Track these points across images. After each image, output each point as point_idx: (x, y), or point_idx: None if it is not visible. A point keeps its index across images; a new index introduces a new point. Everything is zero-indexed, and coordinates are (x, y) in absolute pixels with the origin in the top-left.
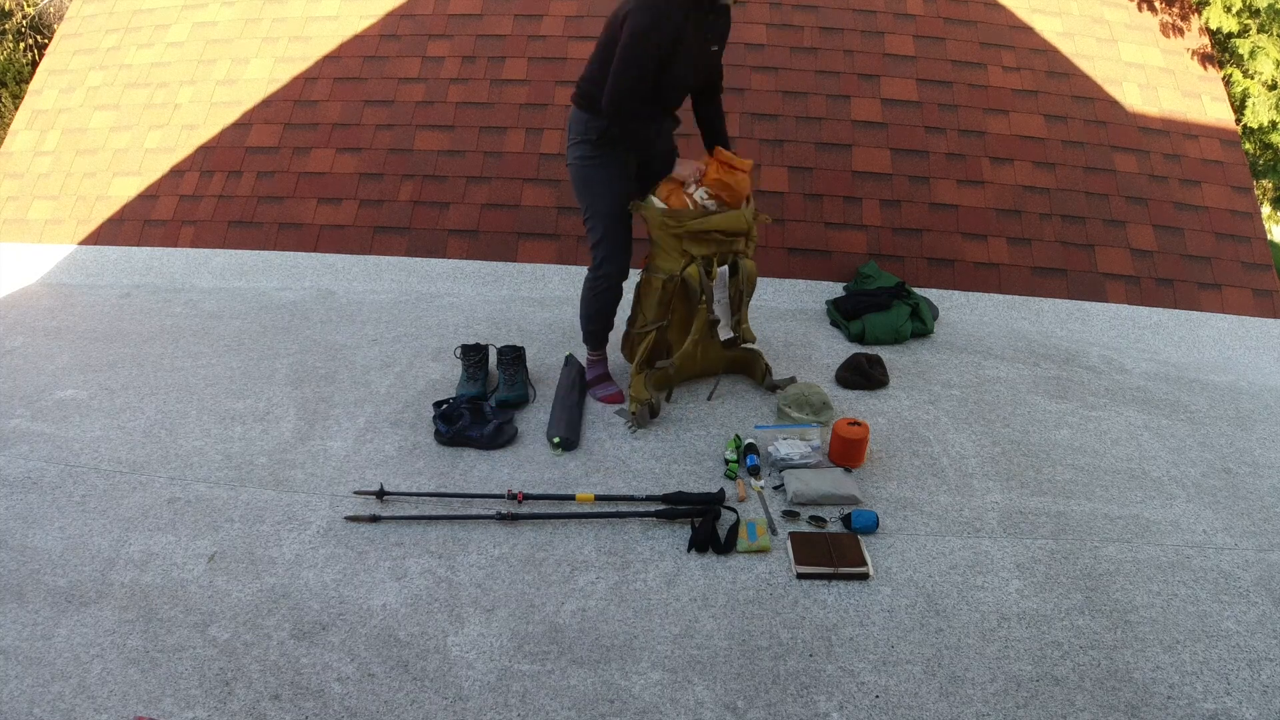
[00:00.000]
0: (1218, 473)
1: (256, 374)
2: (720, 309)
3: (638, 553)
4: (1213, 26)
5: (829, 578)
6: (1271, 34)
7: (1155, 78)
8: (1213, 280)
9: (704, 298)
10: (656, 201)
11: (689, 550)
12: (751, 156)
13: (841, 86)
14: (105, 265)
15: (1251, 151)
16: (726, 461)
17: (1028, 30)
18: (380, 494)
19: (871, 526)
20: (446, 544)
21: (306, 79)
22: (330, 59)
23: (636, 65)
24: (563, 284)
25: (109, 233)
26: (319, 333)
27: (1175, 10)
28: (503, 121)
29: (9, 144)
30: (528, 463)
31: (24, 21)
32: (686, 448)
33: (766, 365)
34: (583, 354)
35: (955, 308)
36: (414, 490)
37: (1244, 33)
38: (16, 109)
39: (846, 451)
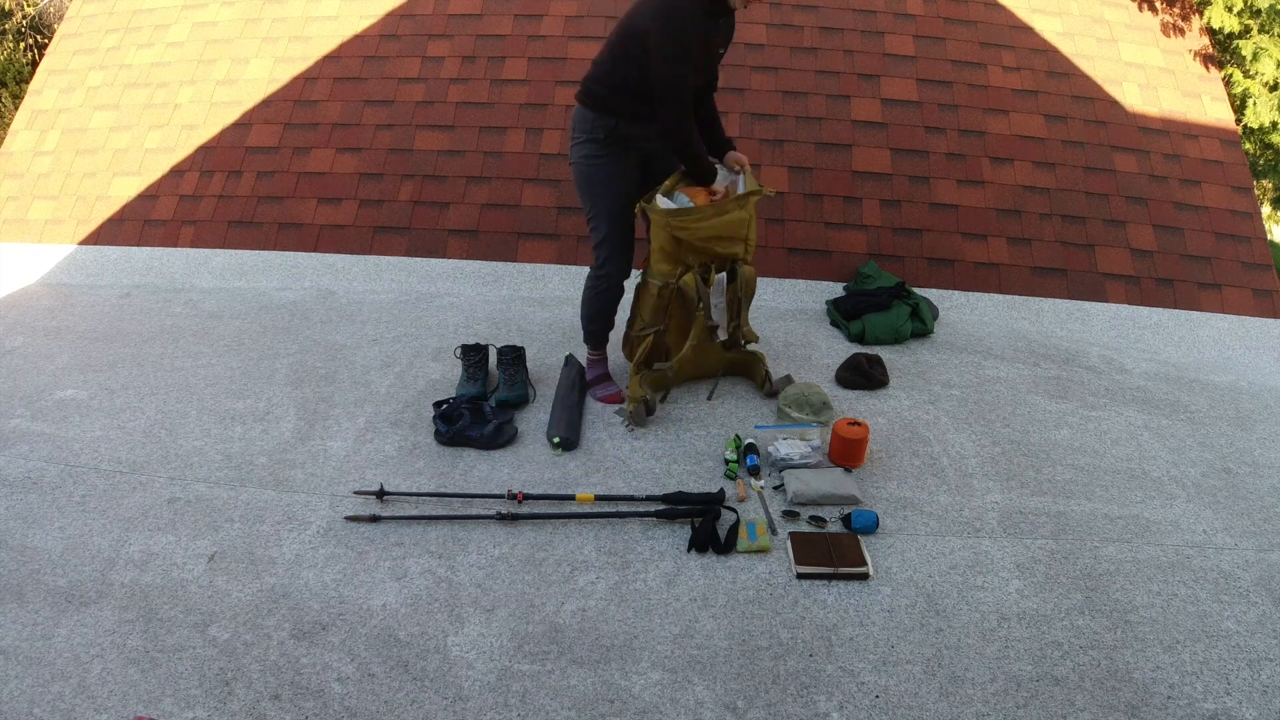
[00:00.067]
0: (1218, 473)
1: (256, 374)
2: (718, 314)
3: (638, 553)
4: (1214, 27)
5: (829, 578)
6: (1273, 34)
7: (1155, 78)
8: (1213, 280)
9: (701, 305)
10: (662, 201)
11: (689, 550)
12: (752, 156)
13: (841, 86)
14: (105, 265)
15: (1251, 151)
16: (726, 461)
17: (1028, 30)
18: (380, 494)
19: (871, 526)
20: (446, 544)
21: (306, 79)
22: (330, 59)
23: (675, 71)
24: (563, 284)
25: (109, 233)
26: (319, 333)
27: (1176, 10)
28: (503, 121)
29: (9, 144)
30: (528, 463)
31: (24, 21)
32: (686, 448)
33: (767, 371)
34: (583, 354)
35: (955, 308)
36: (414, 490)
37: (1245, 33)
38: (16, 109)
39: (846, 451)
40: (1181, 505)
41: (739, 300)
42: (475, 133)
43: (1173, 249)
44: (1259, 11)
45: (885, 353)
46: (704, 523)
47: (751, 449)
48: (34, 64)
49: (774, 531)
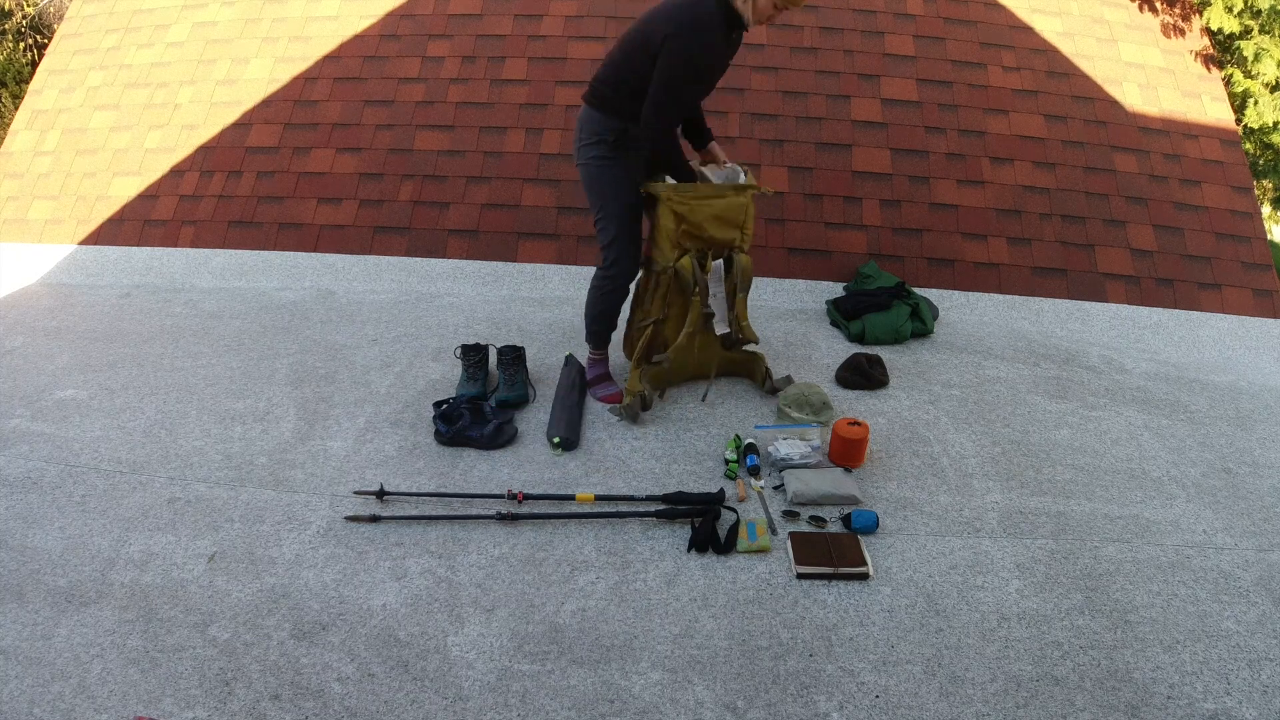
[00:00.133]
0: (1218, 473)
1: (256, 374)
2: (715, 303)
3: (638, 553)
4: (1214, 27)
5: (829, 578)
6: (1274, 35)
7: (1155, 78)
8: (1213, 280)
9: (697, 289)
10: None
11: (689, 550)
12: (751, 156)
13: (841, 86)
14: (105, 265)
15: (1252, 151)
16: (726, 461)
17: (1028, 30)
18: (380, 494)
19: (871, 526)
20: (446, 544)
21: (306, 79)
22: (330, 59)
23: (677, 86)
24: (563, 284)
25: (109, 233)
26: (319, 333)
27: (1176, 11)
28: (503, 121)
29: (9, 144)
30: (528, 463)
31: (24, 21)
32: (686, 448)
33: (767, 369)
34: (583, 353)
35: (955, 308)
36: (414, 490)
37: (1246, 34)
38: (16, 109)
39: (846, 451)
40: (1181, 505)
41: (735, 289)
42: (475, 133)
43: (1173, 249)
44: (1259, 12)
45: (885, 353)
46: (704, 523)
47: (751, 449)
48: (34, 64)
49: (774, 531)
